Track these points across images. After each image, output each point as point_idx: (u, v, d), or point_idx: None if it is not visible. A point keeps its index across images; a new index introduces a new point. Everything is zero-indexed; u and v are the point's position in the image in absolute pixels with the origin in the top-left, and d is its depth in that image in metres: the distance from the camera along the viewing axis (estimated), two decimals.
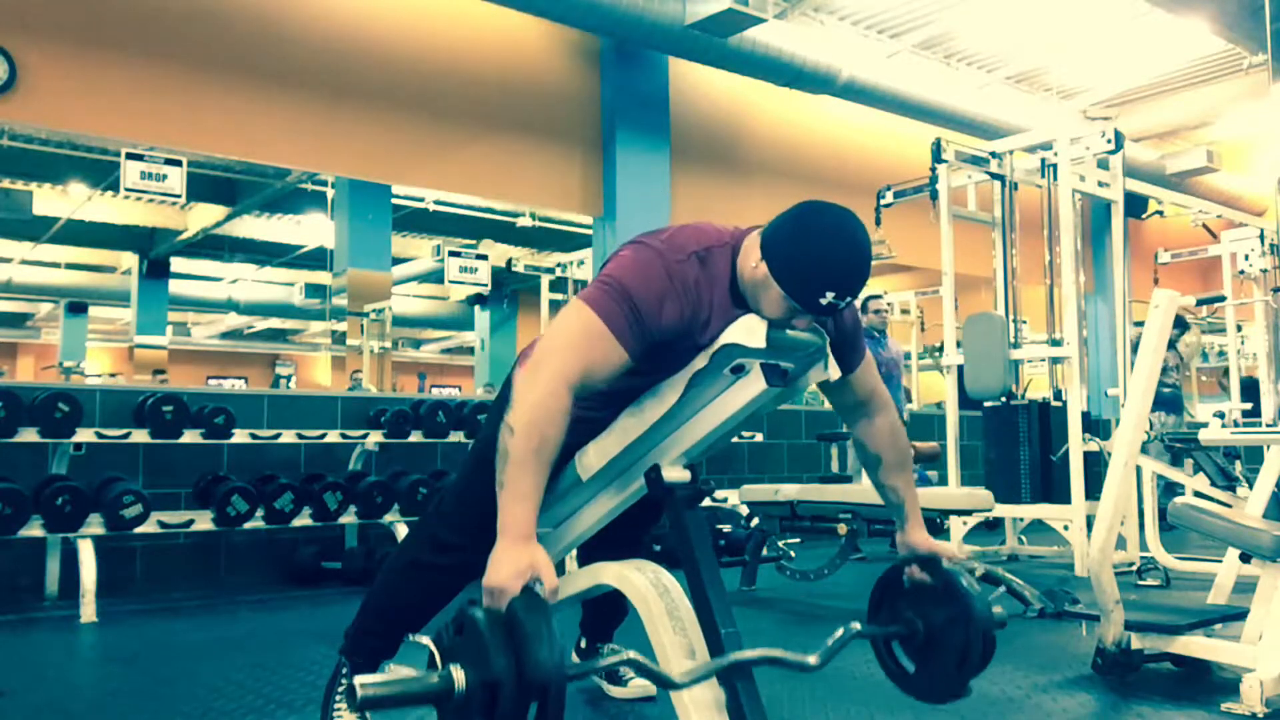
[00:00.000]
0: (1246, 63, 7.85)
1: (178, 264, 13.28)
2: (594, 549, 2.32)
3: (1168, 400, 6.96)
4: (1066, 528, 5.03)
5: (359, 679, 1.40)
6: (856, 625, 1.90)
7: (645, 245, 1.80)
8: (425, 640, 1.53)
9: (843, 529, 4.00)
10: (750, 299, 1.80)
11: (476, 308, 14.55)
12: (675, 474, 1.87)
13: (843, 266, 1.70)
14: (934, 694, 1.98)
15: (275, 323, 17.96)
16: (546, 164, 6.63)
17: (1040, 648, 3.18)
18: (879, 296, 6.41)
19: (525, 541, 1.56)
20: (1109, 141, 5.36)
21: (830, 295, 1.68)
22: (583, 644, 2.69)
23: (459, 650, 1.47)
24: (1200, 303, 8.27)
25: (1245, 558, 2.63)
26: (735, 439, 5.72)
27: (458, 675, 1.44)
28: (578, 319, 1.73)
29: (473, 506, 2.00)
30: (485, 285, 6.87)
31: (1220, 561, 3.41)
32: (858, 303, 1.99)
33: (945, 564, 1.94)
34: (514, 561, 1.52)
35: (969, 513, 4.63)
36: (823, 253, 1.69)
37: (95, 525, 4.12)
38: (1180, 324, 6.73)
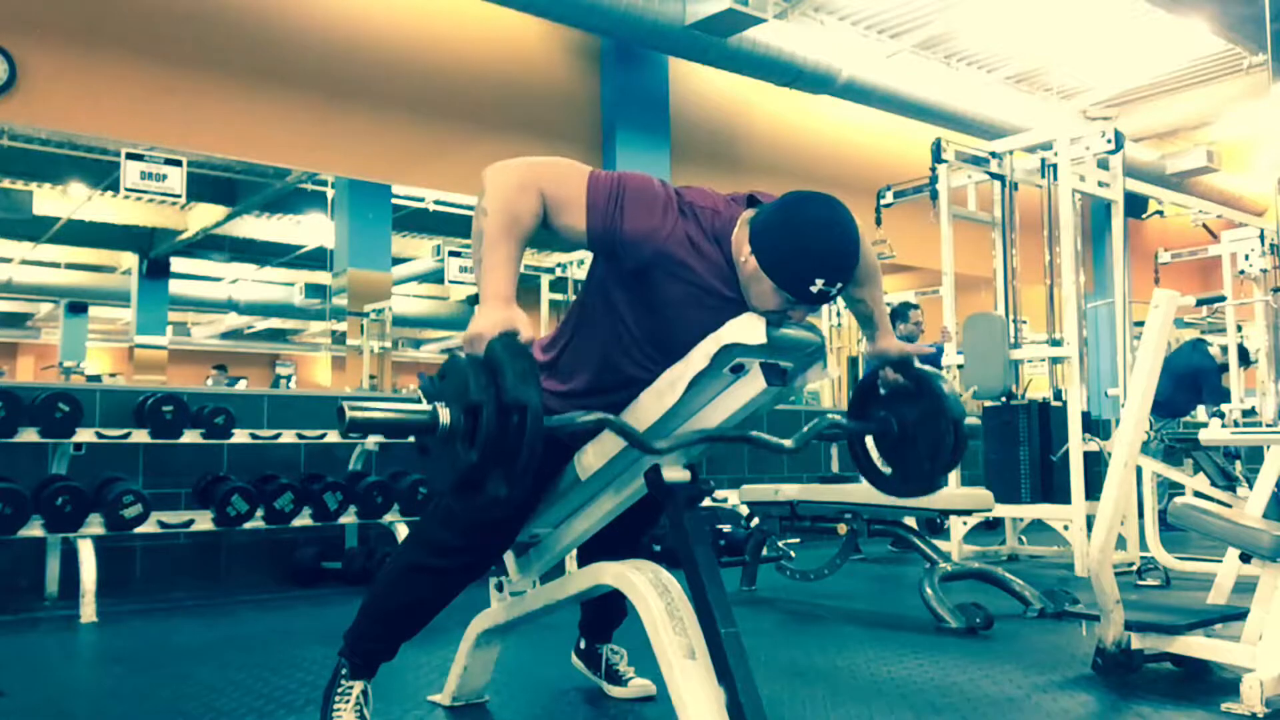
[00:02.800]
0: (1246, 63, 7.86)
1: (178, 264, 13.27)
2: (594, 549, 2.32)
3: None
4: (1066, 528, 5.03)
5: (348, 402, 1.50)
6: (834, 416, 1.99)
7: (655, 178, 1.88)
8: (411, 385, 1.60)
9: (843, 529, 4.00)
10: (744, 293, 1.81)
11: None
12: (675, 474, 1.87)
13: (830, 254, 1.73)
14: (909, 489, 2.09)
15: (275, 323, 17.95)
16: None
17: (1040, 648, 3.18)
18: (916, 306, 6.39)
19: (505, 301, 1.65)
20: (1109, 141, 5.36)
21: (820, 283, 1.71)
22: (582, 644, 2.69)
23: (443, 393, 1.57)
24: (1200, 303, 8.27)
25: (1245, 558, 2.63)
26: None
27: (442, 411, 1.54)
28: (571, 163, 1.83)
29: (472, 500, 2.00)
30: None
31: (1220, 561, 3.42)
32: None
33: (917, 365, 2.01)
34: (494, 314, 1.62)
35: (969, 513, 4.63)
36: (810, 242, 1.72)
37: (95, 525, 4.12)
38: None
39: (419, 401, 1.58)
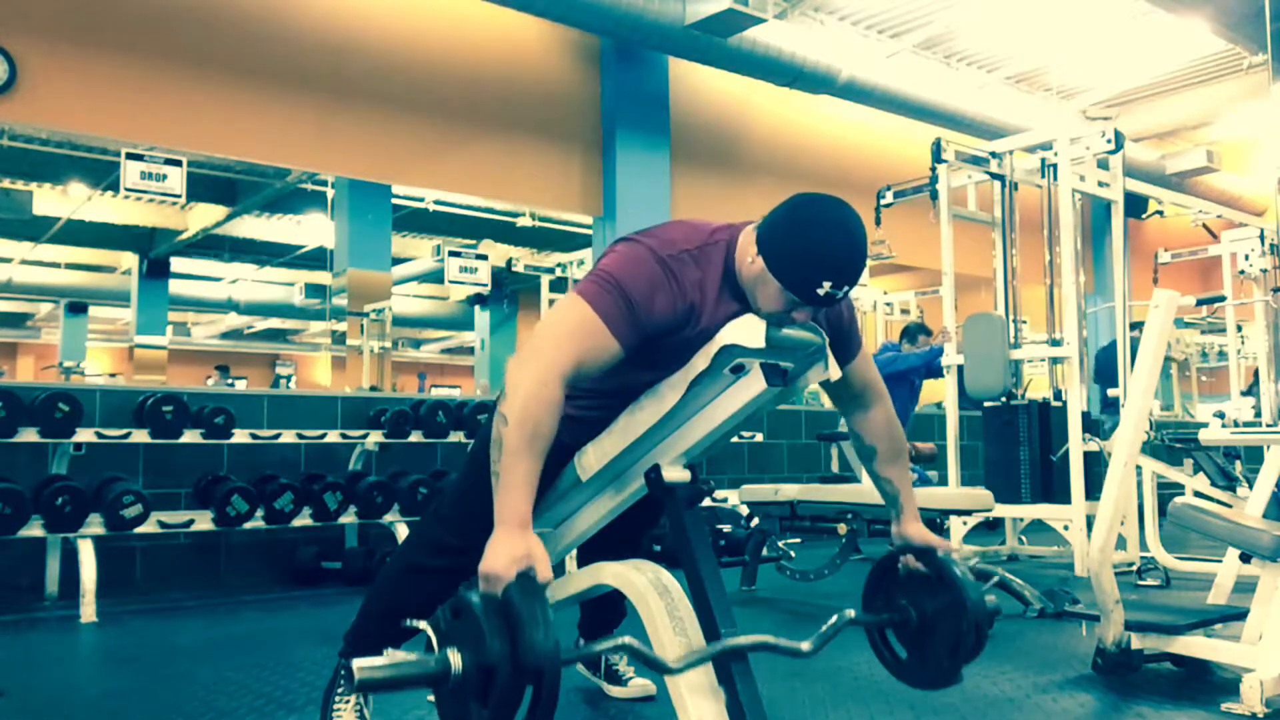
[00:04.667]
0: (1246, 63, 7.85)
1: (178, 264, 13.27)
2: (594, 549, 2.32)
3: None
4: (1066, 528, 5.03)
5: (357, 661, 1.42)
6: (851, 613, 1.92)
7: (637, 241, 1.83)
8: (422, 625, 1.55)
9: (843, 529, 4.00)
10: (748, 294, 1.81)
11: (476, 308, 14.54)
12: (675, 474, 1.87)
13: (838, 256, 1.71)
14: (927, 681, 2.01)
15: (275, 323, 17.95)
16: (546, 164, 6.63)
17: (1040, 648, 3.18)
18: (928, 333, 6.37)
19: (521, 530, 1.57)
20: (1109, 141, 5.36)
21: (828, 285, 1.70)
22: (581, 644, 2.69)
23: (455, 634, 1.49)
24: (1200, 303, 8.26)
25: (1245, 558, 2.63)
26: (735, 439, 5.72)
27: (454, 658, 1.46)
28: (571, 311, 1.76)
29: (472, 508, 2.00)
30: (485, 285, 6.86)
31: (1220, 561, 3.41)
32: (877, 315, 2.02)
33: (940, 554, 1.95)
34: (510, 549, 1.53)
35: (969, 513, 4.63)
36: (818, 244, 1.70)
37: (95, 525, 4.12)
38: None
39: (426, 637, 1.52)
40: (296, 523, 4.62)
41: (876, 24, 7.56)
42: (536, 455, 1.63)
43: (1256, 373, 7.44)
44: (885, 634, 2.05)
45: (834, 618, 1.88)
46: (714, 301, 1.82)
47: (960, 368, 5.43)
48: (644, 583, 1.82)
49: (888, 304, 9.79)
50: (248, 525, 4.45)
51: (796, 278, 1.71)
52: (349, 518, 4.76)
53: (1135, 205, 8.40)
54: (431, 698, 2.19)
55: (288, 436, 4.91)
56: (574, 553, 2.45)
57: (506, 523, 1.57)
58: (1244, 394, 7.69)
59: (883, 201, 6.35)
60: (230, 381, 14.74)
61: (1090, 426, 5.29)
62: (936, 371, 6.01)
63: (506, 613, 1.45)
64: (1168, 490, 4.65)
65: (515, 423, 1.62)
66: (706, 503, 3.23)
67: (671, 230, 1.86)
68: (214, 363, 19.53)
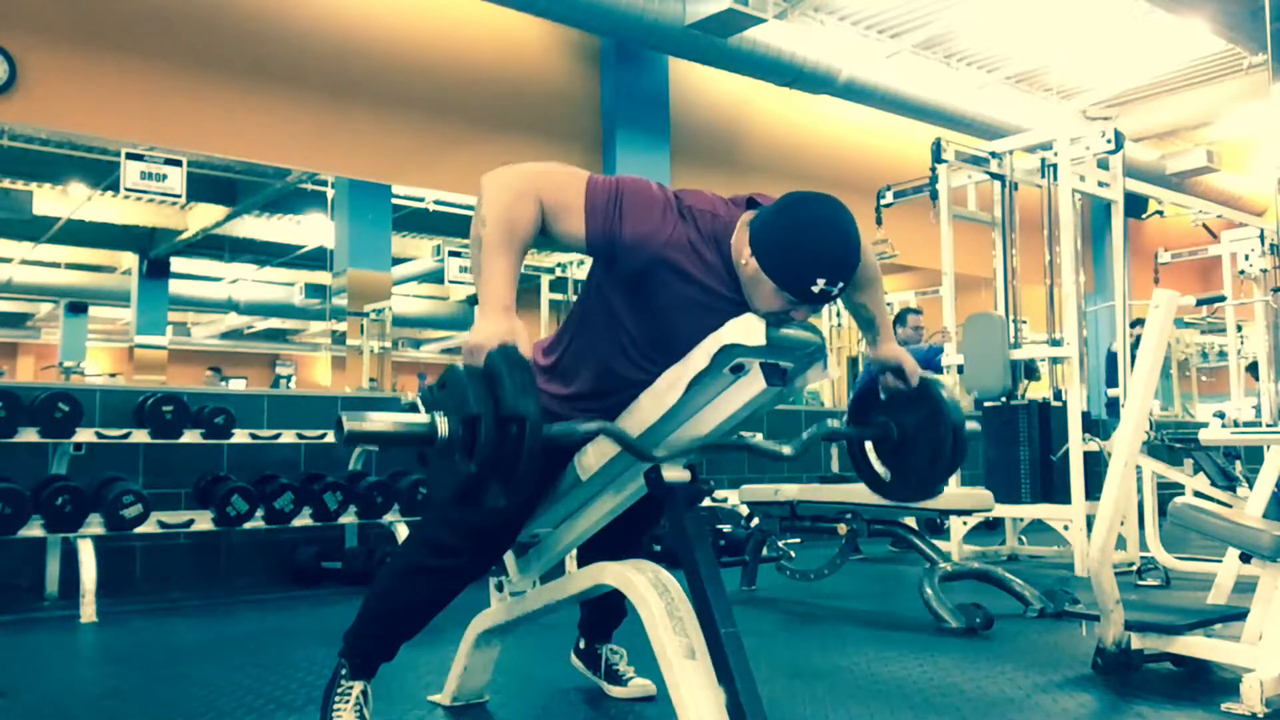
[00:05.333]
0: (1246, 63, 7.86)
1: (178, 264, 13.27)
2: (594, 549, 2.32)
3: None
4: (1066, 528, 5.03)
5: (345, 414, 1.50)
6: (833, 422, 2.01)
7: (653, 182, 1.88)
8: (411, 394, 1.61)
9: (843, 529, 4.00)
10: (746, 294, 1.81)
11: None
12: (675, 474, 1.87)
13: (831, 253, 1.72)
14: (909, 493, 2.10)
15: (275, 323, 17.95)
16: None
17: (1040, 648, 3.18)
18: (919, 312, 6.38)
19: (504, 311, 1.65)
20: (1109, 141, 5.36)
21: (822, 283, 1.71)
22: (581, 645, 2.69)
23: (442, 403, 1.56)
24: (1200, 303, 8.26)
25: (1245, 558, 2.63)
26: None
27: (441, 421, 1.54)
28: (567, 172, 1.82)
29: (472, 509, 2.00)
30: None
31: (1220, 561, 3.41)
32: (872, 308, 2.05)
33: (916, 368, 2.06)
34: (494, 325, 1.62)
35: (969, 513, 4.63)
36: (810, 242, 1.72)
37: (95, 525, 4.12)
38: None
39: (418, 410, 1.58)
40: (296, 523, 4.62)
41: (876, 24, 7.56)
42: (515, 250, 1.71)
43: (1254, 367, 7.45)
44: (865, 452, 2.16)
45: (816, 426, 1.98)
46: (706, 265, 1.83)
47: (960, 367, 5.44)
48: (644, 583, 1.83)
49: (888, 304, 9.78)
50: (248, 525, 4.45)
51: (790, 277, 1.72)
52: (349, 518, 4.76)
53: (1135, 205, 8.39)
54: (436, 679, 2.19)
55: (288, 436, 4.91)
56: (574, 553, 2.45)
57: (490, 306, 1.66)
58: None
59: (883, 201, 6.35)
60: (224, 380, 14.72)
61: (1092, 427, 5.28)
62: (935, 368, 6.01)
63: (489, 375, 1.54)
64: (1168, 490, 4.65)
65: (493, 220, 1.70)
66: (706, 503, 3.23)
67: (684, 193, 1.89)
68: (214, 363, 19.55)
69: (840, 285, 1.73)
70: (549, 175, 1.80)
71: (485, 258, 1.70)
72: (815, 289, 1.71)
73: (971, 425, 2.02)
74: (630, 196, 1.79)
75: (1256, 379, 6.98)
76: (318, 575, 4.86)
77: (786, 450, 1.89)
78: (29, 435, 4.17)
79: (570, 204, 1.77)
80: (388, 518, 4.83)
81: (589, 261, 1.97)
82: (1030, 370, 5.42)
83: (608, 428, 1.72)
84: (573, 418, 1.89)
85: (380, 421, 1.54)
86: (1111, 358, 7.16)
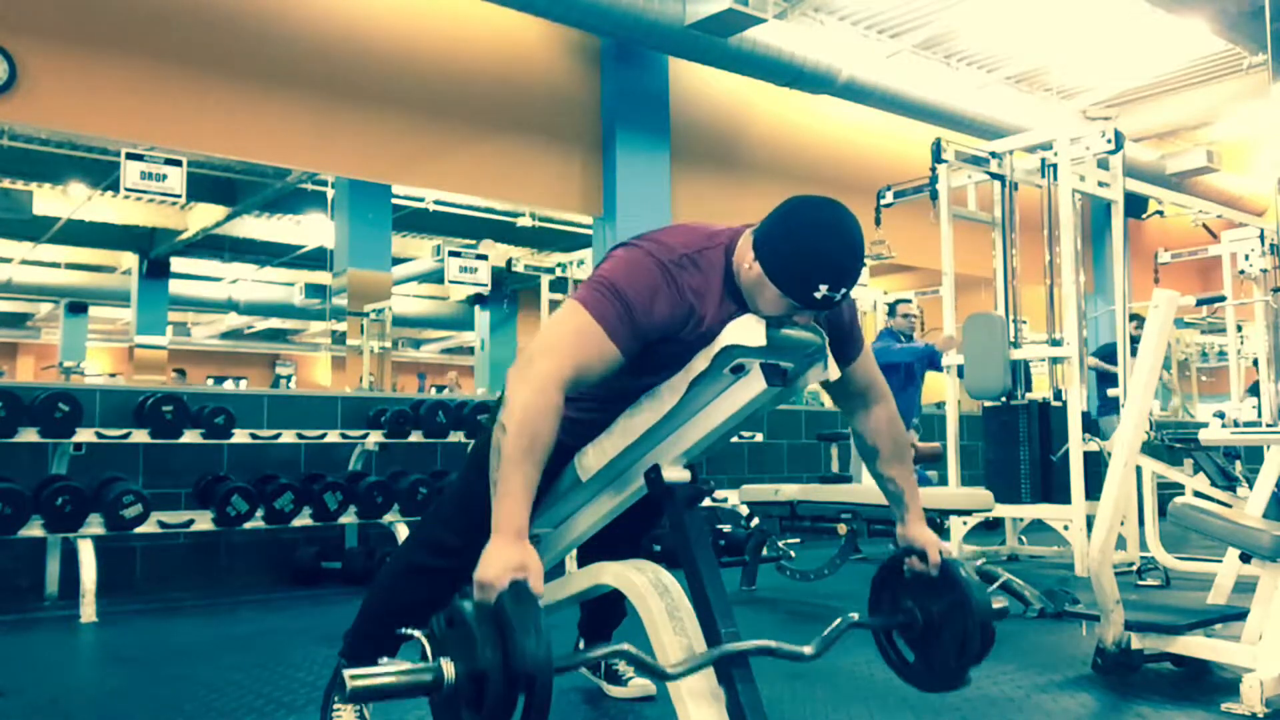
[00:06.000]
0: (1246, 63, 7.86)
1: (178, 264, 13.28)
2: (594, 549, 2.32)
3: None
4: (1066, 528, 5.03)
5: (348, 672, 1.42)
6: (854, 615, 1.92)
7: (636, 246, 1.83)
8: (416, 633, 1.56)
9: (843, 529, 4.00)
10: (748, 299, 1.81)
11: (476, 308, 14.54)
12: (675, 474, 1.87)
13: (835, 259, 1.70)
14: (933, 683, 2.01)
15: (275, 323, 17.96)
16: (546, 164, 6.63)
17: (1040, 648, 3.18)
18: (908, 300, 6.37)
19: (516, 539, 1.57)
20: (1109, 141, 5.36)
21: (825, 288, 1.69)
22: (581, 645, 2.69)
23: (449, 643, 1.49)
24: (1200, 303, 8.27)
25: (1245, 558, 2.63)
26: (735, 439, 5.72)
27: (447, 668, 1.46)
28: (570, 318, 1.75)
29: (472, 509, 2.00)
30: (485, 285, 6.87)
31: (1220, 561, 3.41)
32: (868, 301, 2.02)
33: (945, 555, 1.95)
34: (504, 558, 1.53)
35: (969, 513, 4.63)
36: (814, 247, 1.70)
37: (95, 525, 4.12)
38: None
39: (421, 644, 1.53)
40: (296, 523, 4.62)
41: (876, 24, 7.56)
42: (534, 464, 1.63)
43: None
44: (892, 637, 2.05)
45: (837, 620, 1.89)
46: (715, 305, 1.81)
47: (960, 367, 5.44)
48: (644, 583, 1.82)
49: (888, 304, 9.78)
50: (248, 525, 4.45)
51: (793, 282, 1.71)
52: (349, 518, 4.76)
53: (1135, 205, 8.39)
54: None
55: (288, 436, 4.91)
56: (574, 553, 2.45)
57: (502, 531, 1.58)
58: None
59: (883, 201, 6.35)
60: (182, 377, 14.66)
61: (1092, 427, 5.28)
62: (937, 365, 6.01)
63: (499, 621, 1.46)
64: (1168, 490, 4.65)
65: (514, 431, 1.62)
66: (706, 503, 3.22)
67: (671, 234, 1.86)
68: (215, 363, 19.57)
69: (843, 291, 1.72)
70: (563, 348, 1.73)
71: (503, 472, 1.62)
72: (818, 294, 1.70)
73: (999, 603, 1.93)
74: (631, 292, 1.75)
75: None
76: (318, 575, 4.86)
77: (808, 650, 1.81)
78: (29, 435, 4.17)
79: (596, 350, 1.73)
80: (388, 518, 4.83)
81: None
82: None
83: (624, 650, 1.62)
84: (572, 417, 1.89)
85: (384, 674, 1.46)
86: (1105, 356, 7.15)
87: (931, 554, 1.97)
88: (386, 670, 1.46)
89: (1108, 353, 7.09)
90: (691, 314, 1.80)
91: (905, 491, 2.05)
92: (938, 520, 4.97)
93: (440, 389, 12.22)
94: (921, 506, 2.08)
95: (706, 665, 1.70)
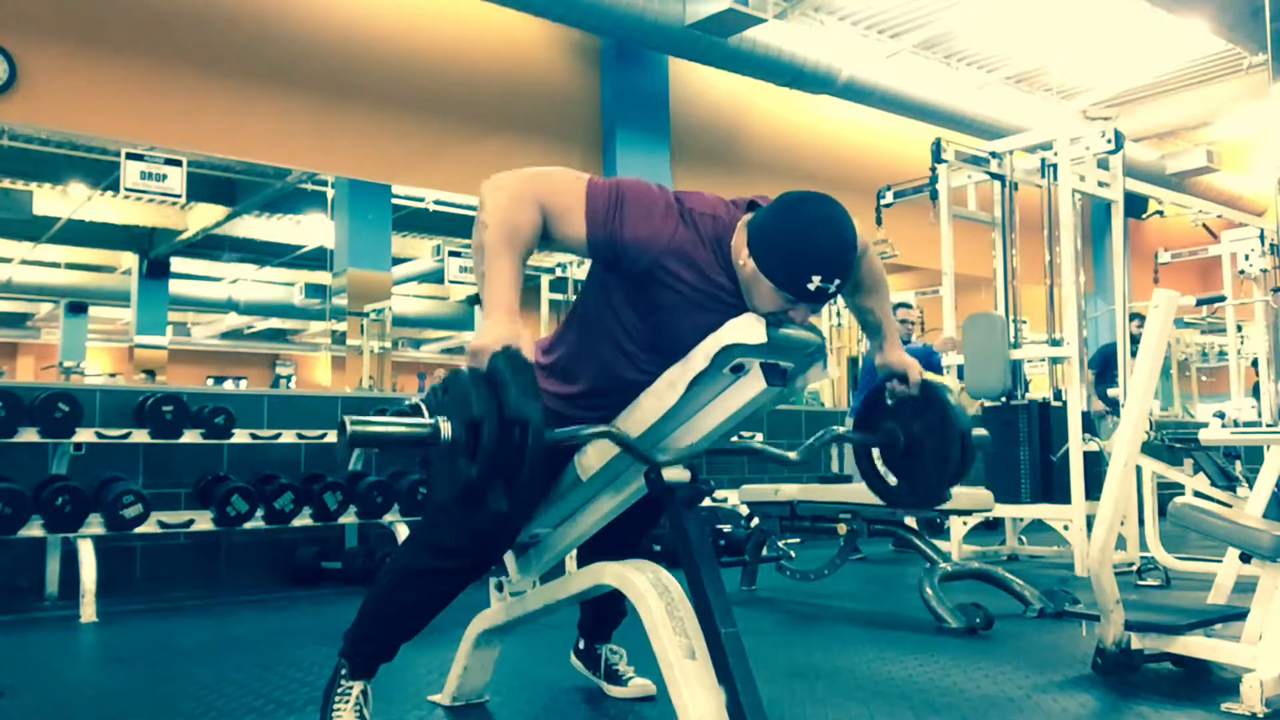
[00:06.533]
0: (1246, 63, 7.86)
1: (178, 264, 13.27)
2: (594, 549, 2.32)
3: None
4: (1066, 528, 5.03)
5: (348, 416, 1.50)
6: (839, 428, 2.00)
7: (655, 185, 1.88)
8: (415, 398, 1.61)
9: (843, 529, 4.00)
10: (745, 296, 1.82)
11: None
12: (675, 474, 1.87)
13: (826, 251, 1.73)
14: (916, 500, 2.10)
15: (275, 323, 17.95)
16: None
17: (1040, 648, 3.18)
18: (909, 306, 6.38)
19: (508, 314, 1.66)
20: (1109, 141, 5.36)
21: (817, 280, 1.72)
22: (581, 645, 2.69)
23: (446, 407, 1.57)
24: (1200, 303, 8.27)
25: (1245, 558, 2.63)
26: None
27: (444, 425, 1.55)
28: (566, 171, 1.84)
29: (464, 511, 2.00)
30: None
31: (1220, 561, 3.41)
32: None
33: (923, 375, 2.02)
34: (498, 330, 1.62)
35: (969, 513, 4.63)
36: (805, 240, 1.73)
37: (95, 525, 4.12)
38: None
39: (420, 413, 1.58)
40: (296, 523, 4.62)
41: (876, 24, 7.56)
42: (517, 253, 1.72)
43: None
44: (871, 459, 2.15)
45: (822, 431, 1.98)
46: (705, 266, 1.84)
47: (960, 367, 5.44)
48: (644, 583, 1.83)
49: (920, 313, 9.77)
50: (248, 525, 4.45)
51: (786, 275, 1.73)
52: (349, 518, 4.76)
53: (1135, 205, 8.39)
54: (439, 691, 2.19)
55: (288, 436, 4.91)
56: (574, 553, 2.45)
57: (494, 309, 1.66)
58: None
59: (883, 201, 6.35)
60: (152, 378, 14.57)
61: (1092, 427, 5.28)
62: (936, 368, 6.01)
63: (493, 378, 1.54)
64: (1168, 490, 4.65)
65: (495, 224, 1.71)
66: (706, 503, 3.23)
67: (686, 196, 1.90)
68: (214, 363, 19.56)
69: (837, 283, 1.74)
70: (549, 179, 1.81)
71: (488, 262, 1.70)
72: (811, 287, 1.72)
73: (979, 431, 2.01)
74: (631, 199, 1.79)
75: (1257, 374, 6.99)
76: (318, 575, 4.86)
77: (792, 455, 1.89)
78: (29, 435, 4.17)
79: (571, 207, 1.78)
80: (388, 518, 4.83)
81: (589, 262, 1.97)
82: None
83: (611, 432, 1.72)
84: (573, 416, 1.89)
85: (386, 423, 1.54)
86: (1106, 356, 7.15)
87: (912, 374, 2.06)
88: (388, 420, 1.55)
89: (1107, 353, 7.09)
90: (676, 255, 1.81)
91: (883, 322, 2.16)
92: (938, 520, 4.99)
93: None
94: (897, 333, 2.19)
95: (690, 457, 1.81)
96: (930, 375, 2.11)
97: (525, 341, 1.62)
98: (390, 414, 1.63)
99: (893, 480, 2.15)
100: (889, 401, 2.10)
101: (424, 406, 1.60)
